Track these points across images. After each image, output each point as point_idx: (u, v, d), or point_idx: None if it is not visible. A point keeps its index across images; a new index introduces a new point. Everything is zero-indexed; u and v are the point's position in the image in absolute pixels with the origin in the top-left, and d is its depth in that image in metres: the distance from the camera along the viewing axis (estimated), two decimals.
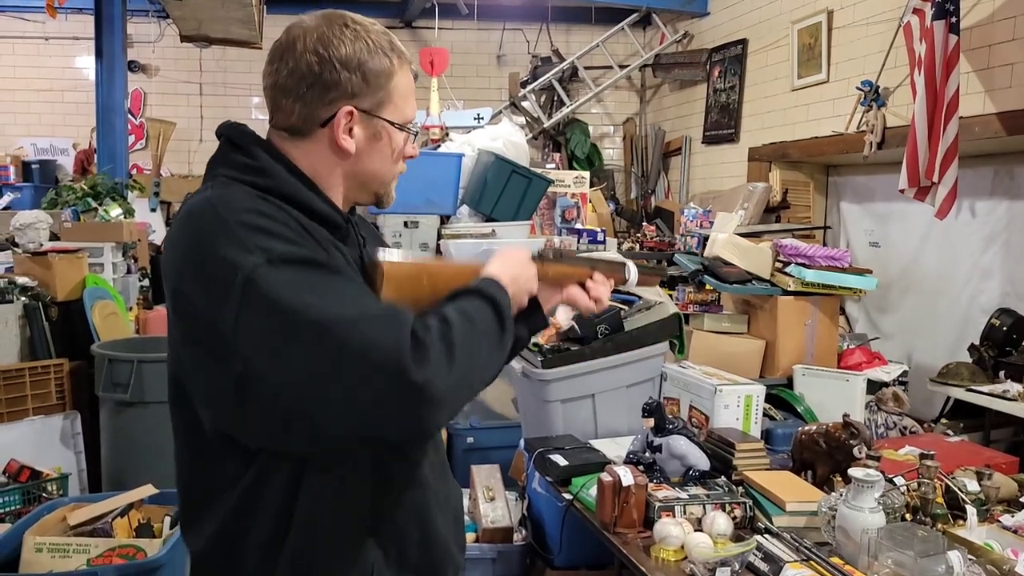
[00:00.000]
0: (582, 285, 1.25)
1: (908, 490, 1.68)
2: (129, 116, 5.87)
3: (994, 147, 3.54)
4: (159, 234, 5.81)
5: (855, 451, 1.77)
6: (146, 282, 4.68)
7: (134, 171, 5.89)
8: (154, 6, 6.03)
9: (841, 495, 1.58)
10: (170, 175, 6.52)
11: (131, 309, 4.16)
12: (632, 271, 1.32)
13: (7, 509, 2.66)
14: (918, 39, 3.16)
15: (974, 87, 3.38)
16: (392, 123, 1.06)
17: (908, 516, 1.63)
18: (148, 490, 2.56)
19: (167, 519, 2.48)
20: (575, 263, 1.25)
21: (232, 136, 1.05)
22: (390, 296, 1.01)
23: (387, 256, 1.05)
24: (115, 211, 4.33)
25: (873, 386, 2.64)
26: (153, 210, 6.06)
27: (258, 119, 6.88)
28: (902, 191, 3.21)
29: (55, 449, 3.16)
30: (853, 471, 1.54)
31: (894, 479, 1.72)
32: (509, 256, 1.13)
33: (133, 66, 6.39)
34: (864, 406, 2.52)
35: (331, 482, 0.98)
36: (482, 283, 1.04)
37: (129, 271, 4.34)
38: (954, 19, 3.03)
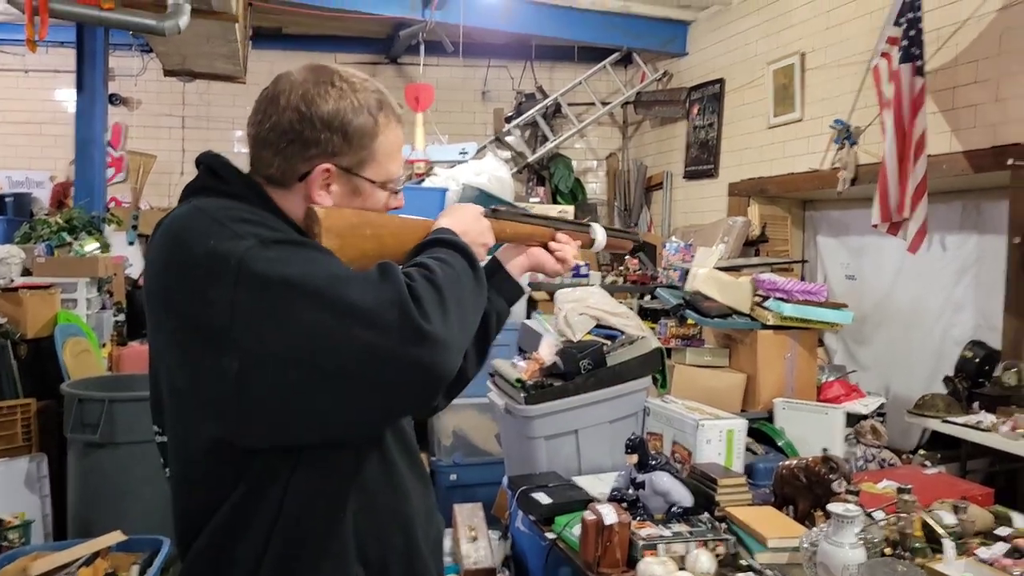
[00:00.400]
0: (546, 247, 1.26)
1: (887, 524, 1.70)
2: (109, 149, 5.86)
3: (961, 183, 3.65)
4: (136, 268, 5.76)
5: (835, 486, 1.79)
6: (121, 317, 4.62)
7: (112, 204, 5.86)
8: (137, 40, 6.06)
9: (822, 530, 1.60)
10: (149, 208, 6.49)
11: (104, 346, 4.10)
12: (599, 232, 1.33)
13: None
14: (886, 81, 3.27)
15: (941, 127, 3.50)
16: (373, 182, 1.07)
17: (888, 550, 1.66)
18: (116, 537, 2.47)
19: (135, 568, 2.39)
20: (536, 222, 1.25)
21: (213, 165, 1.06)
22: (332, 247, 0.99)
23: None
24: (91, 245, 4.28)
25: (852, 419, 2.67)
26: (131, 243, 6.02)
27: (241, 152, 6.88)
28: (875, 226, 3.29)
29: (19, 494, 3.07)
30: (833, 506, 1.57)
31: (873, 513, 1.75)
32: (457, 211, 1.15)
33: (114, 99, 6.40)
34: (844, 439, 2.55)
35: (315, 488, 0.98)
36: (439, 233, 1.07)
37: (104, 307, 4.28)
38: (919, 62, 3.14)
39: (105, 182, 4.99)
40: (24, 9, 3.56)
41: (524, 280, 1.33)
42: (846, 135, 4.01)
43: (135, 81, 6.62)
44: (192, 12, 3.87)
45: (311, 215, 1.02)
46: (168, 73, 5.71)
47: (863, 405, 2.85)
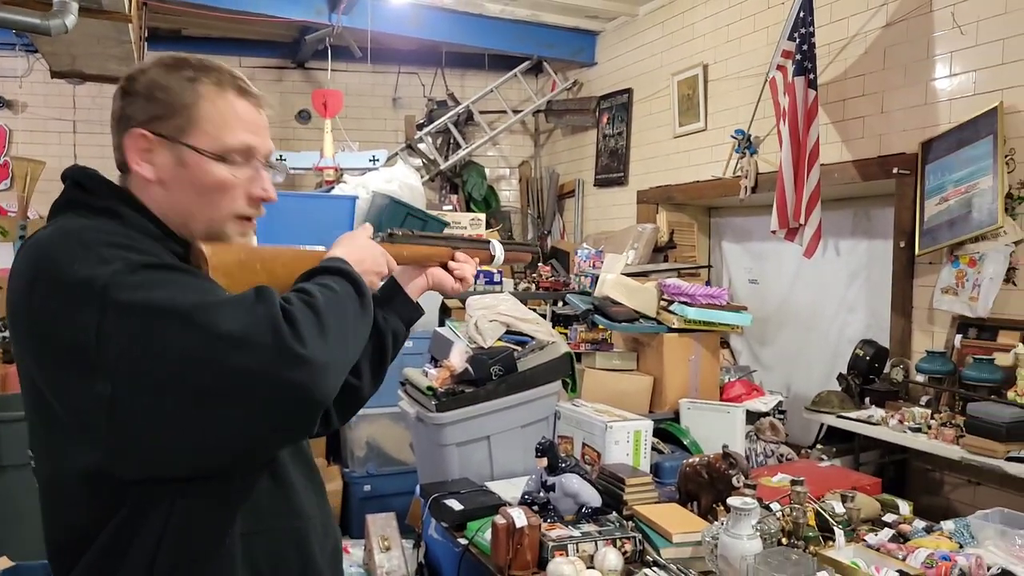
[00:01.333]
0: (445, 267, 1.27)
1: (783, 515, 1.77)
2: None
3: (852, 191, 3.87)
4: None
5: (734, 480, 1.85)
6: (7, 333, 4.32)
7: None
8: (21, 39, 5.68)
9: (722, 524, 1.65)
10: (38, 217, 6.08)
11: None
12: (498, 248, 1.35)
13: None
14: (782, 92, 3.43)
15: (832, 137, 3.69)
16: (197, 149, 0.99)
17: (784, 540, 1.72)
18: (2, 564, 2.33)
19: None
20: (434, 243, 1.26)
21: (79, 179, 1.02)
22: (222, 286, 0.96)
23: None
24: None
25: (752, 416, 2.78)
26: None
27: None
28: (774, 232, 3.43)
29: None
30: (732, 500, 1.62)
31: (770, 505, 1.81)
32: (350, 240, 1.13)
33: None
34: (744, 436, 2.65)
35: (201, 512, 0.94)
36: (327, 262, 1.05)
37: None
38: (812, 75, 3.31)
39: None
40: None
41: (428, 300, 1.33)
42: (746, 144, 4.18)
43: (20, 83, 6.19)
44: (80, 11, 3.65)
45: (198, 253, 0.99)
46: (56, 75, 5.37)
47: (763, 403, 2.97)
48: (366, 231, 1.17)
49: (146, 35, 5.18)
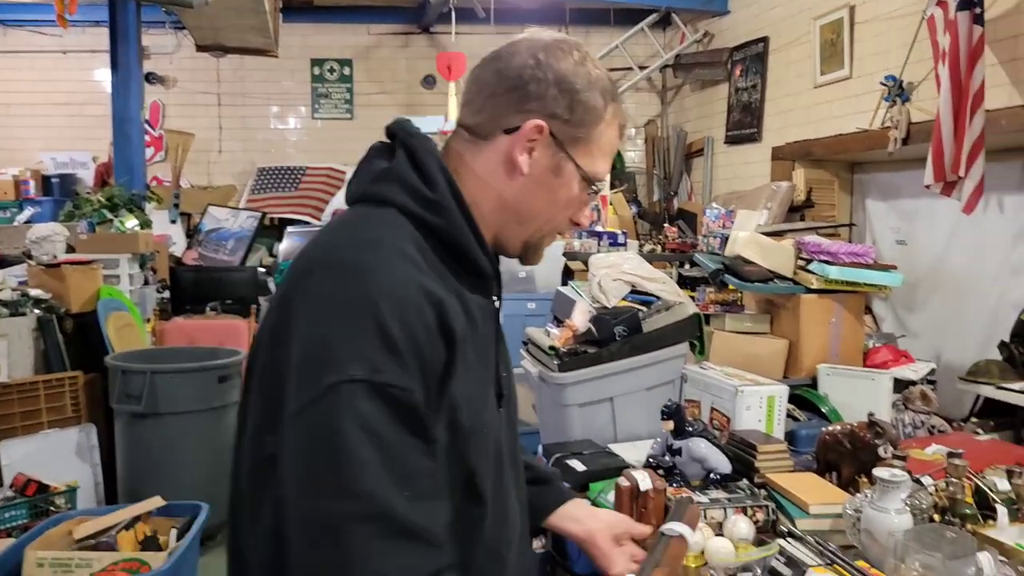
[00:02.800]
0: None
1: (936, 490, 1.63)
2: (148, 128, 5.94)
3: (1023, 140, 3.46)
4: (179, 246, 5.87)
5: (880, 451, 1.72)
6: (166, 294, 4.71)
7: (154, 183, 5.96)
8: (170, 17, 6.11)
9: (867, 496, 1.54)
10: (190, 186, 6.58)
11: (148, 321, 4.19)
12: (687, 532, 1.25)
13: (14, 523, 2.66)
14: (942, 31, 3.10)
15: (1000, 79, 3.30)
16: (579, 167, 0.97)
17: (937, 517, 1.58)
18: (155, 502, 2.54)
19: (173, 531, 2.45)
20: None
21: (411, 145, 0.93)
22: None
23: None
24: (131, 222, 4.36)
25: (900, 385, 2.57)
26: (173, 221, 6.13)
27: (276, 127, 6.92)
28: (928, 187, 3.14)
29: (71, 462, 3.18)
30: (878, 471, 1.50)
31: (921, 479, 1.67)
32: None
33: (151, 78, 6.46)
34: (891, 405, 2.46)
35: None
36: None
37: (147, 282, 4.38)
38: (978, 10, 2.97)
39: (144, 160, 5.05)
40: None
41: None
42: (898, 92, 3.83)
43: (170, 59, 6.68)
44: None
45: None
46: (201, 49, 5.74)
47: (912, 371, 2.75)
48: None
49: (280, 6, 5.41)
